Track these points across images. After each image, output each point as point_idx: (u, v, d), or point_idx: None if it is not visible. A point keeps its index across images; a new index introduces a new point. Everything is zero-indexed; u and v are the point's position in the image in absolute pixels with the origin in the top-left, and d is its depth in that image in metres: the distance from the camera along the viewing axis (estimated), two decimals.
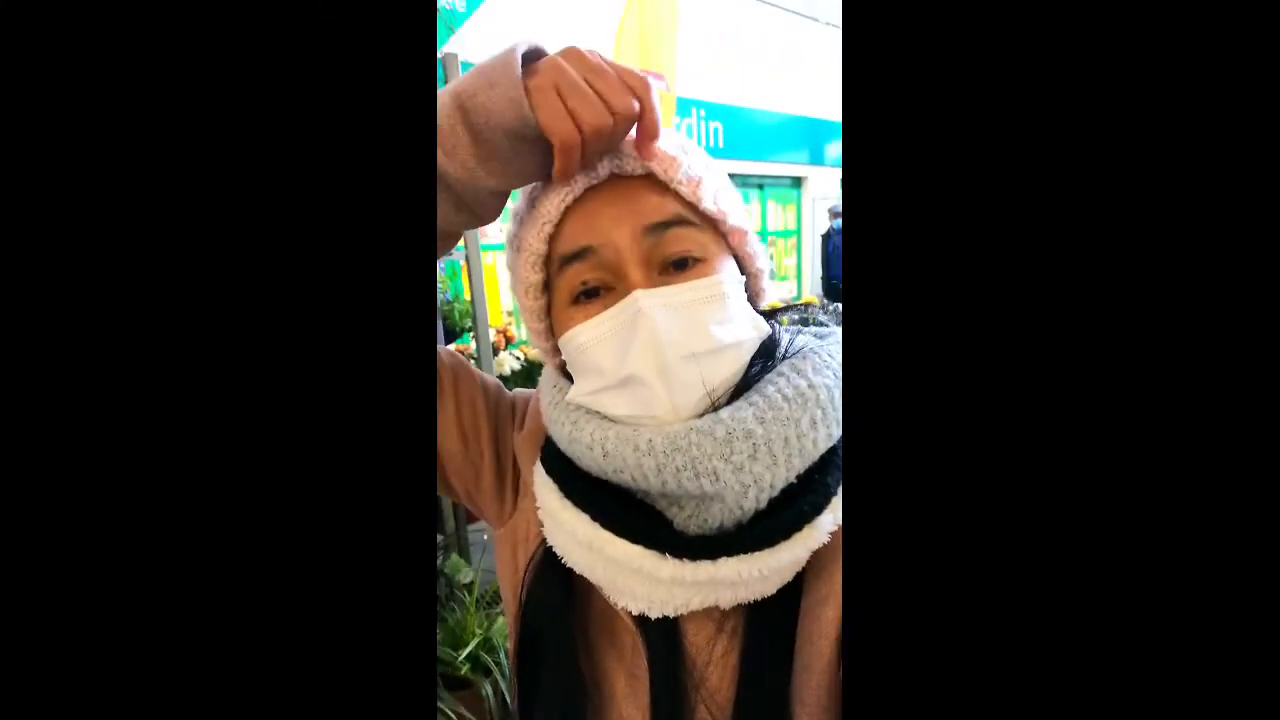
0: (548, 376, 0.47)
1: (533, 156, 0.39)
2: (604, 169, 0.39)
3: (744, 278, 0.44)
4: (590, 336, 0.40)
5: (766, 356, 0.41)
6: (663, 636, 0.40)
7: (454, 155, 0.37)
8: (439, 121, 0.37)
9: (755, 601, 0.38)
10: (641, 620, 0.40)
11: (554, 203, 0.39)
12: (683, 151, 0.41)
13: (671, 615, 0.38)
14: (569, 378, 0.45)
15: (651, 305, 0.38)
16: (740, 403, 0.38)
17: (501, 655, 1.36)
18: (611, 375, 0.39)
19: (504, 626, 1.38)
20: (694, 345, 0.38)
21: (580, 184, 0.39)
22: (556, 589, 0.43)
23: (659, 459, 0.36)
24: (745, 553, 0.36)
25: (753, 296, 0.45)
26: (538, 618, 0.44)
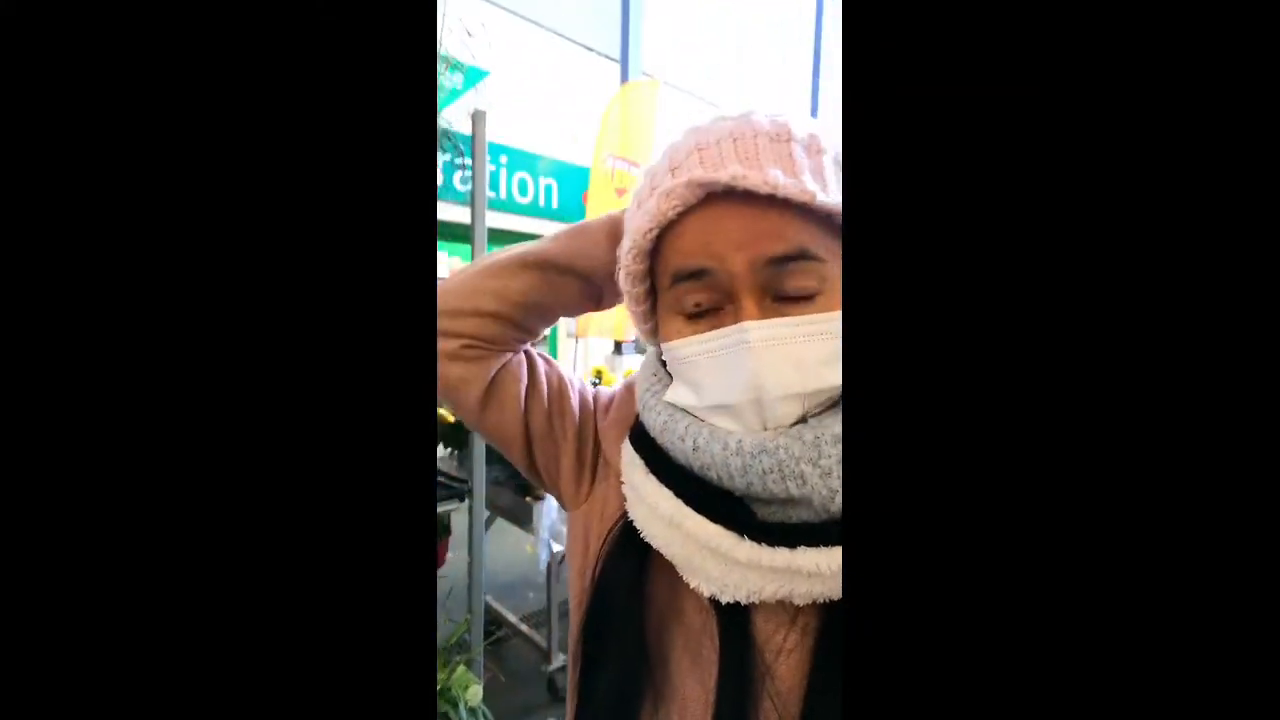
0: (648, 363, 0.47)
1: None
2: (724, 174, 0.35)
3: None
4: (693, 351, 0.39)
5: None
6: (734, 621, 0.39)
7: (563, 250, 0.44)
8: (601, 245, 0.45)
9: (830, 602, 0.37)
10: (714, 602, 0.39)
11: (664, 207, 0.37)
12: (818, 174, 0.38)
13: (744, 601, 0.38)
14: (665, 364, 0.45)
15: (760, 338, 0.36)
16: (833, 410, 0.38)
17: None
18: (707, 397, 0.39)
19: None
20: (797, 385, 0.37)
21: (696, 192, 0.36)
22: (632, 562, 0.42)
23: (745, 459, 0.36)
24: (826, 545, 0.36)
25: None
26: (609, 590, 0.43)
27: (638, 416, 0.46)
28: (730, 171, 0.36)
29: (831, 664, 0.38)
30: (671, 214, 0.37)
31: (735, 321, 0.37)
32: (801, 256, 0.36)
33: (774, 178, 0.35)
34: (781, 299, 0.37)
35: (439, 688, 1.22)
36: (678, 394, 0.42)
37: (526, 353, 0.51)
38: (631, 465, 0.43)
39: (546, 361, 0.52)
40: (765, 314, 0.37)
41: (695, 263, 0.38)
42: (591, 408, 0.52)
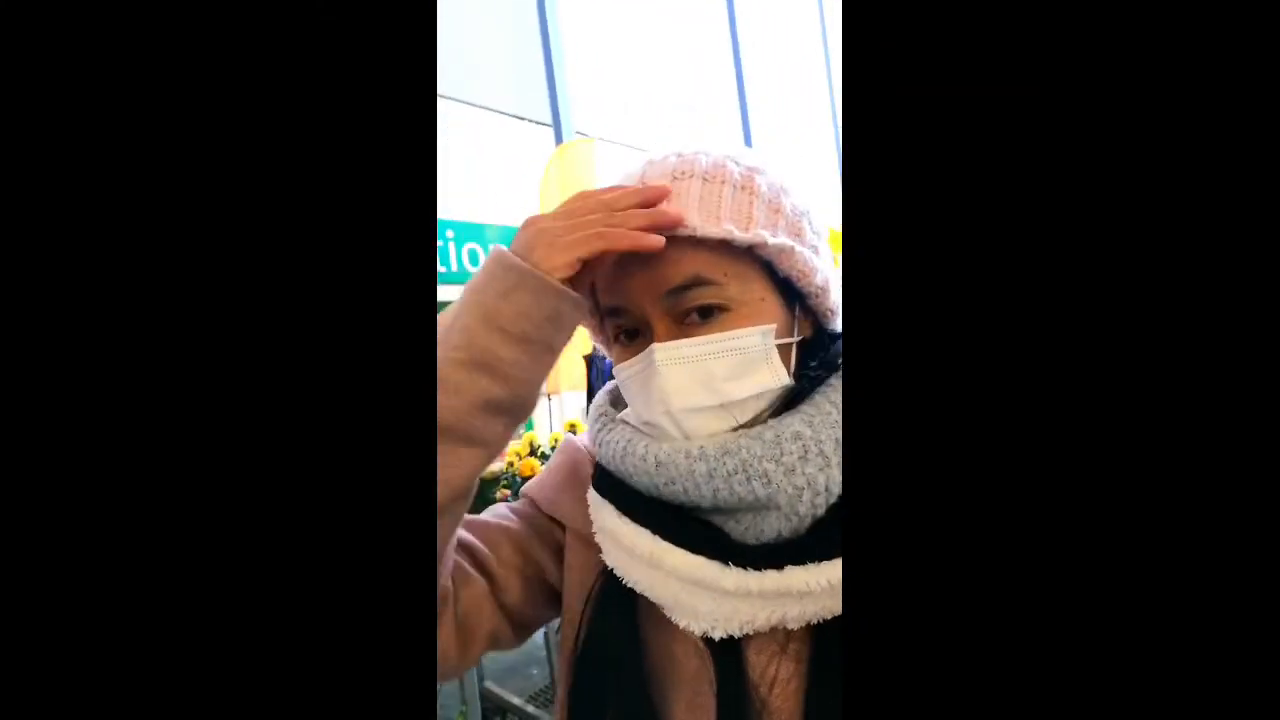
0: (596, 407, 0.48)
1: (572, 317, 0.39)
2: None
3: (799, 301, 0.43)
4: (626, 376, 0.42)
5: (795, 400, 0.41)
6: (728, 660, 0.38)
7: (507, 379, 0.36)
8: (458, 375, 0.35)
9: (820, 624, 0.37)
10: (707, 642, 0.38)
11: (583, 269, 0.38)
12: (700, 201, 0.40)
13: (737, 634, 0.37)
14: (615, 407, 0.47)
15: (664, 359, 0.38)
16: (790, 411, 0.39)
17: None
18: (638, 416, 0.42)
19: None
20: (698, 400, 0.38)
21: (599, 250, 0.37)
22: (620, 613, 0.41)
23: (710, 464, 0.37)
24: (812, 561, 0.36)
25: (819, 316, 0.44)
26: (600, 647, 0.42)
27: (596, 468, 0.46)
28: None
29: (825, 689, 0.37)
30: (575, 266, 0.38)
31: (649, 344, 0.40)
32: (697, 283, 0.39)
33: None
34: (691, 320, 0.40)
35: None
36: (630, 413, 0.45)
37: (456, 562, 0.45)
38: (600, 510, 0.43)
39: (472, 546, 0.46)
40: (674, 335, 0.40)
41: (612, 301, 0.42)
42: (528, 514, 0.49)
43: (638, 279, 0.40)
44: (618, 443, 0.42)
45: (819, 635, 0.38)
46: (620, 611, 0.42)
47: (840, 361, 0.43)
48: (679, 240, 0.38)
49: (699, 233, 0.38)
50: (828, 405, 0.40)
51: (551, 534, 0.49)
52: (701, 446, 0.38)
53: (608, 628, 0.43)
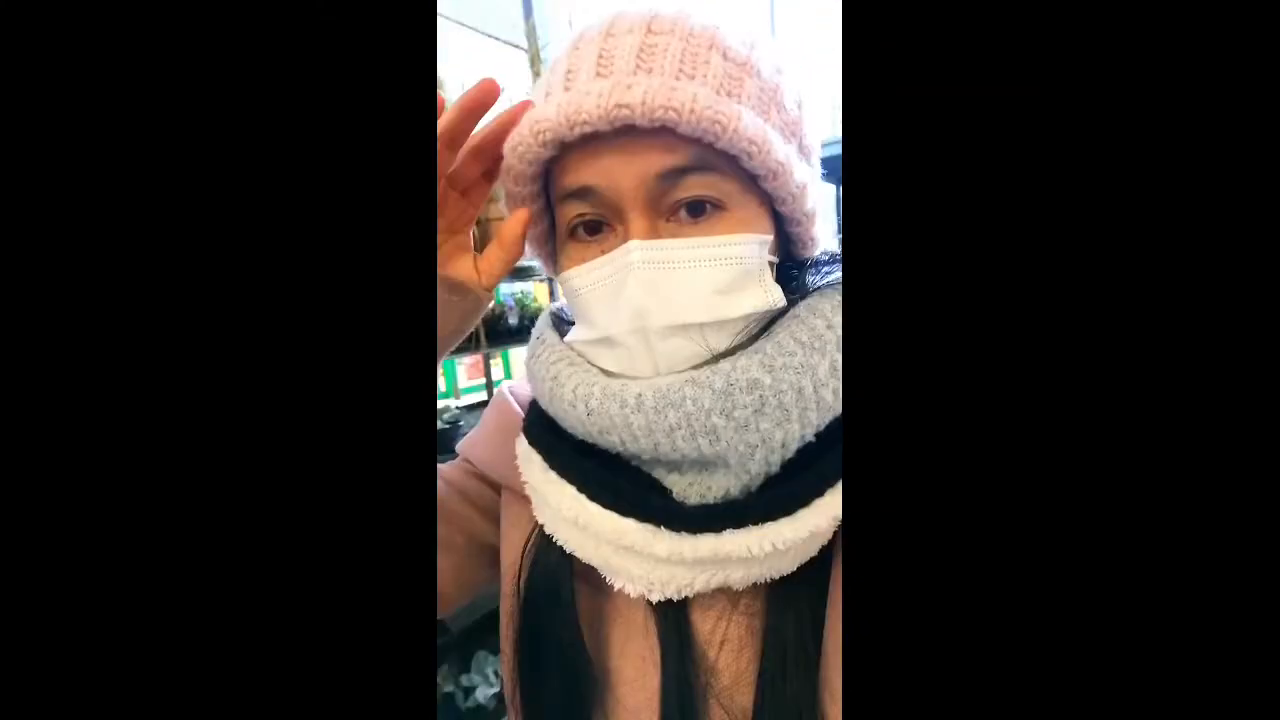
0: (536, 331, 0.42)
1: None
2: (607, 117, 0.31)
3: (784, 229, 0.37)
4: (584, 282, 0.35)
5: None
6: (671, 617, 0.36)
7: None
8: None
9: (772, 581, 0.34)
10: (650, 602, 0.35)
11: (563, 119, 0.32)
12: (734, 88, 0.33)
13: (675, 598, 0.34)
14: (558, 329, 0.41)
15: (644, 260, 0.32)
16: (747, 350, 0.33)
17: None
18: (595, 329, 0.35)
19: None
20: (684, 315, 0.33)
21: (579, 128, 0.31)
22: (554, 569, 0.38)
23: (649, 417, 0.31)
24: (755, 524, 0.32)
25: (799, 246, 0.38)
26: (536, 603, 0.39)
27: (530, 406, 0.42)
28: (614, 112, 0.31)
29: (781, 647, 0.35)
30: (553, 141, 0.33)
31: (623, 243, 0.33)
32: (694, 169, 0.33)
33: (674, 99, 0.31)
34: (676, 219, 0.34)
35: None
36: (578, 332, 0.38)
37: None
38: (528, 463, 0.39)
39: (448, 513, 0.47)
40: (657, 234, 0.33)
41: (579, 179, 0.34)
42: (459, 479, 0.47)
43: (618, 156, 0.33)
44: (545, 377, 0.37)
45: (772, 592, 0.35)
46: (556, 566, 0.39)
47: (810, 289, 0.37)
48: (674, 132, 0.32)
49: (704, 120, 0.31)
50: (792, 344, 0.33)
51: (486, 493, 0.46)
52: (639, 394, 0.32)
53: (544, 585, 0.39)
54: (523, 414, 0.43)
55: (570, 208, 0.35)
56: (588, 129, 0.32)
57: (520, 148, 0.34)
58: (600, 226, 0.35)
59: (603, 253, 0.35)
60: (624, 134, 0.32)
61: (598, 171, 0.33)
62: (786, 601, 0.35)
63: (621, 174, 0.33)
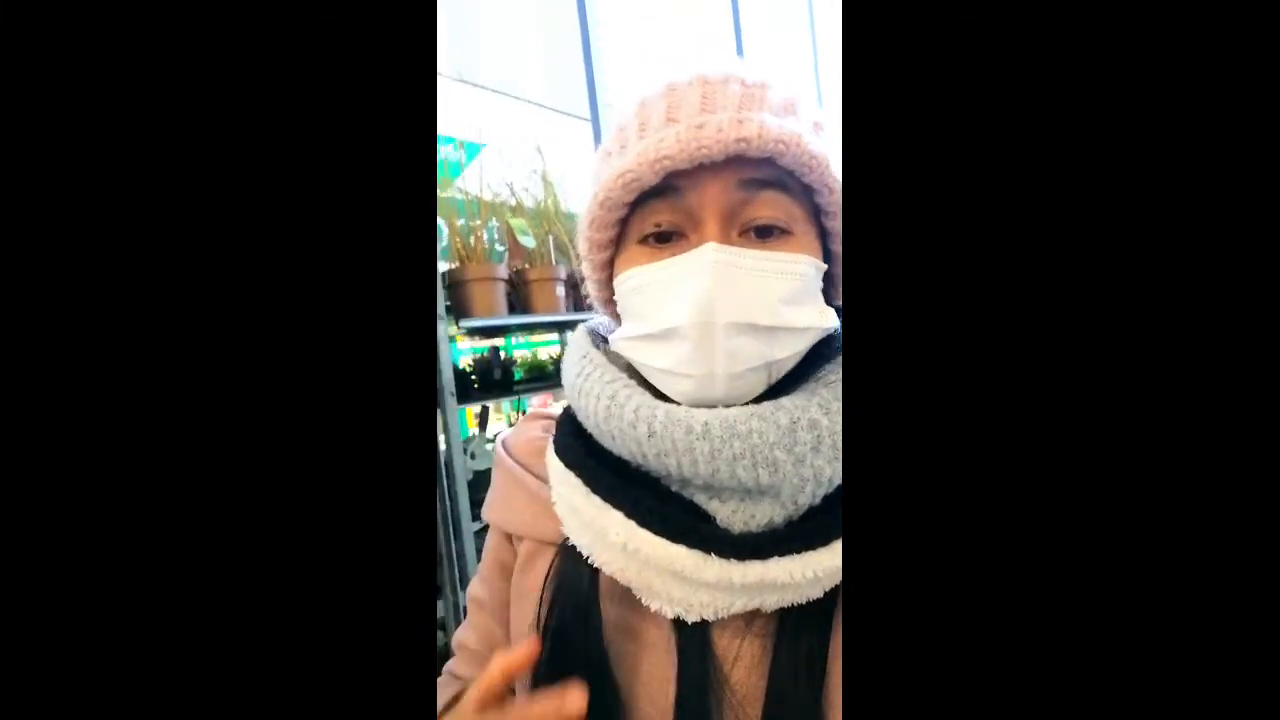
0: (576, 347, 0.44)
1: None
2: (685, 154, 0.34)
3: (826, 264, 0.39)
4: (649, 279, 0.37)
5: (828, 349, 0.39)
6: (694, 638, 0.36)
7: None
8: None
9: (790, 606, 0.35)
10: (676, 621, 0.36)
11: (645, 164, 0.35)
12: (765, 113, 0.36)
13: (710, 619, 0.35)
14: (598, 345, 0.43)
15: (721, 261, 0.34)
16: (802, 391, 0.36)
17: None
18: (655, 323, 0.36)
19: None
20: (752, 316, 0.35)
21: (661, 165, 0.35)
22: (580, 588, 0.39)
23: (714, 444, 0.33)
24: (798, 552, 0.34)
25: (829, 284, 0.41)
26: (565, 623, 0.39)
27: (560, 427, 0.43)
28: (696, 152, 0.35)
29: (787, 668, 0.36)
30: (650, 175, 0.36)
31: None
32: (775, 184, 0.36)
33: (742, 130, 0.34)
34: (746, 234, 0.37)
35: None
36: (625, 330, 0.40)
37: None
38: (566, 485, 0.40)
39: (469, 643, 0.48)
40: (730, 243, 0.36)
41: (665, 183, 0.36)
42: (493, 550, 0.48)
43: (705, 168, 0.35)
44: (601, 395, 0.38)
45: (785, 615, 0.36)
46: (584, 588, 0.40)
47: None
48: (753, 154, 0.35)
49: (779, 130, 0.34)
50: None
51: (514, 549, 0.46)
52: (706, 422, 0.34)
53: (571, 607, 0.40)
54: (519, 466, 0.45)
55: (649, 215, 0.38)
56: (669, 165, 0.35)
57: (609, 199, 0.37)
58: (671, 237, 0.38)
59: (673, 255, 0.37)
60: (701, 168, 0.36)
61: (680, 178, 0.36)
62: (800, 622, 0.36)
63: (705, 184, 0.36)
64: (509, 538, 0.46)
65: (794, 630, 0.36)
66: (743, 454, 0.33)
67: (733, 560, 0.34)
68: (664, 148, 0.35)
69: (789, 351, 0.37)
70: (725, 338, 0.35)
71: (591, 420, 0.39)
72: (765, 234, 0.37)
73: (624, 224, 0.39)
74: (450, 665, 0.50)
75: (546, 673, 0.39)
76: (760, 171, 0.36)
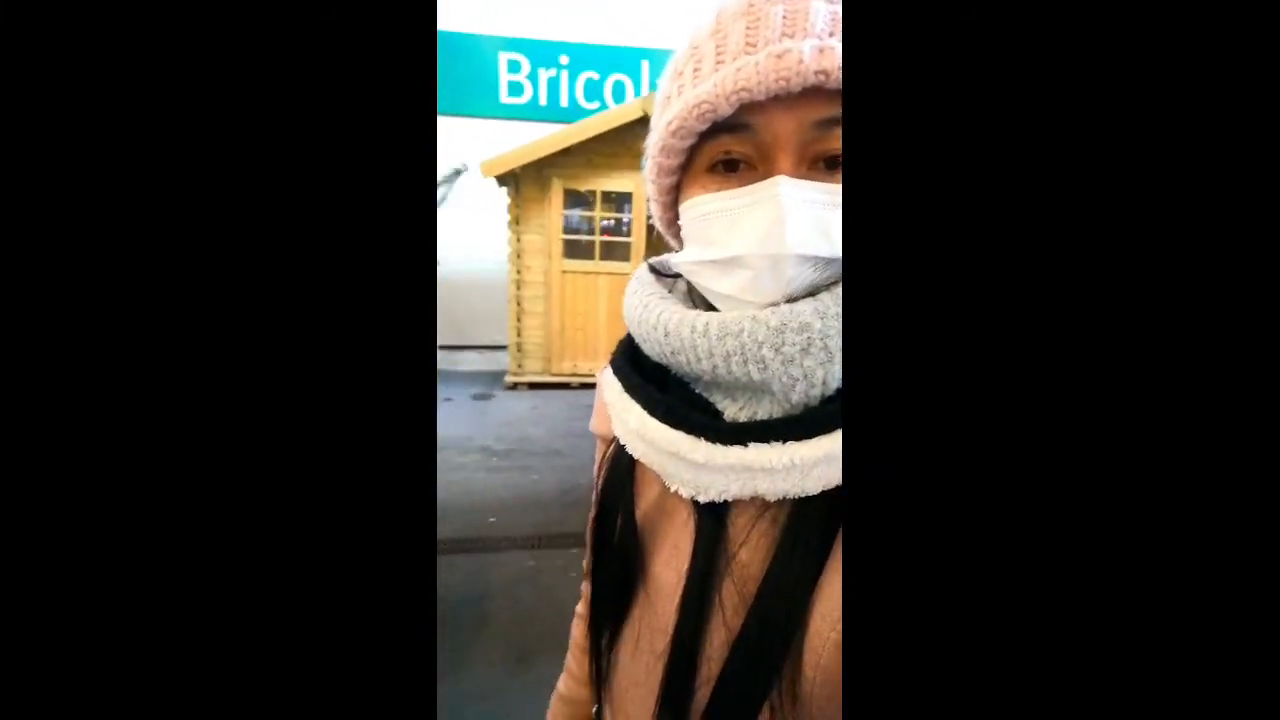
0: (637, 274, 0.49)
1: None
2: (764, 86, 0.35)
3: None
4: (716, 207, 0.39)
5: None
6: (710, 517, 0.42)
7: None
8: None
9: (802, 499, 0.38)
10: (694, 501, 0.42)
11: (721, 96, 0.36)
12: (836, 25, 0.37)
13: (716, 499, 0.40)
14: (658, 274, 0.48)
15: (790, 194, 0.36)
16: (807, 298, 0.38)
17: None
18: (721, 250, 0.39)
19: None
20: (816, 248, 0.36)
21: (738, 97, 0.35)
22: (621, 472, 0.47)
23: (711, 342, 0.38)
24: (780, 441, 0.37)
25: None
26: (607, 497, 0.49)
27: (619, 343, 0.50)
28: (775, 67, 0.35)
29: (792, 547, 0.39)
30: (725, 105, 0.36)
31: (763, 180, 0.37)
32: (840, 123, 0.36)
33: (823, 61, 0.34)
34: (816, 166, 0.37)
35: None
36: (688, 254, 0.42)
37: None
38: (610, 388, 0.47)
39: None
40: (800, 177, 0.37)
41: (737, 117, 0.37)
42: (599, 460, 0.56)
43: (781, 101, 0.36)
44: (638, 306, 0.44)
45: (796, 506, 0.40)
46: (623, 470, 0.48)
47: None
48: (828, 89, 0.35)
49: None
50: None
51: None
52: (707, 322, 0.38)
53: (613, 482, 0.48)
54: (603, 380, 0.51)
55: (719, 144, 0.39)
56: (746, 98, 0.36)
57: (681, 128, 0.38)
58: (738, 165, 0.39)
59: (741, 184, 0.38)
60: (776, 99, 0.36)
61: (754, 111, 0.37)
62: (803, 518, 0.39)
63: (780, 120, 0.37)
64: (601, 442, 0.54)
65: (796, 523, 0.40)
66: (734, 351, 0.37)
67: (716, 444, 0.38)
68: (741, 78, 0.36)
69: (837, 276, 0.39)
70: (790, 268, 0.37)
71: (632, 326, 0.45)
72: (833, 164, 0.37)
73: (692, 150, 0.40)
74: (583, 585, 0.59)
75: (594, 535, 0.50)
76: (835, 107, 0.36)
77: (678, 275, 0.48)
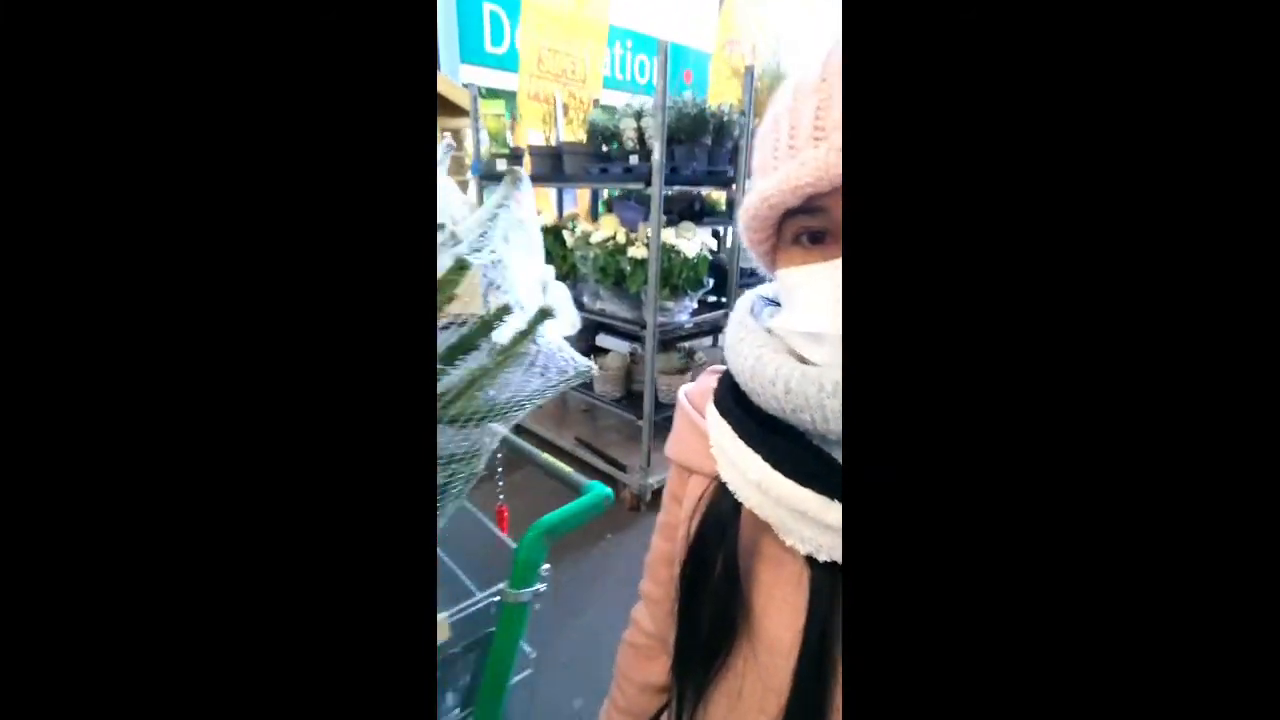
0: (735, 315, 0.48)
1: None
2: (827, 179, 0.35)
3: None
4: (803, 280, 0.40)
5: None
6: (828, 575, 0.41)
7: None
8: None
9: None
10: (809, 558, 0.40)
11: (788, 188, 0.37)
12: None
13: (839, 561, 0.39)
14: (755, 313, 0.48)
15: None
16: None
17: None
18: (805, 323, 0.40)
19: None
20: None
21: (807, 191, 0.36)
22: (726, 515, 0.46)
23: (839, 402, 0.37)
24: None
25: None
26: (707, 535, 0.47)
27: (720, 381, 0.48)
28: (839, 162, 0.35)
29: None
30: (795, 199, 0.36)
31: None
32: None
33: None
34: None
35: None
36: (786, 318, 0.43)
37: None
38: (719, 429, 0.45)
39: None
40: None
41: (818, 200, 0.37)
42: (672, 492, 0.56)
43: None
44: (749, 357, 0.43)
45: None
46: (726, 514, 0.46)
47: None
48: None
49: None
50: None
51: (685, 481, 0.53)
52: (835, 381, 0.37)
53: (714, 524, 0.47)
54: (693, 410, 0.52)
55: (798, 222, 0.40)
56: (809, 191, 0.36)
57: (756, 217, 0.40)
58: (823, 237, 0.40)
59: (823, 259, 0.39)
60: None
61: (827, 195, 0.37)
62: None
63: None
64: (682, 470, 0.54)
65: None
66: None
67: None
68: (804, 174, 0.36)
69: None
70: None
71: (741, 376, 0.44)
72: None
73: (780, 221, 0.42)
74: (636, 611, 0.61)
75: (688, 575, 0.49)
76: None
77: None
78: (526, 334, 0.62)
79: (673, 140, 2.13)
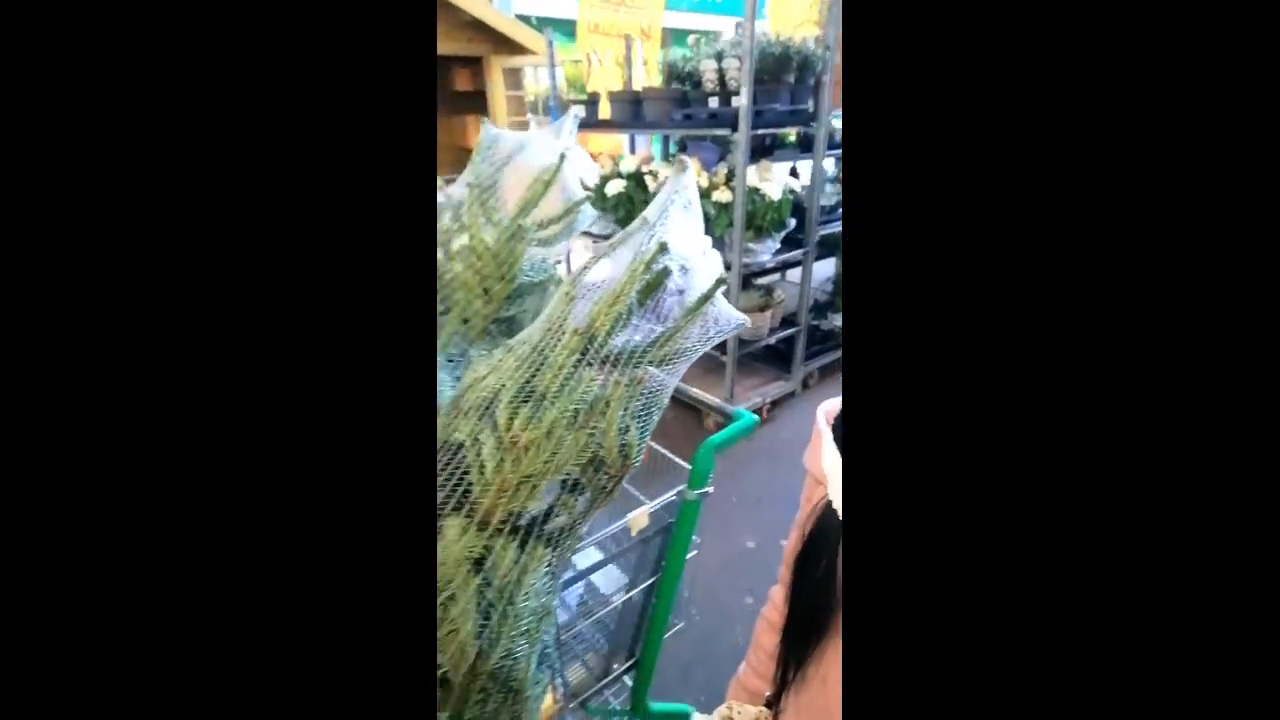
0: None
1: None
2: None
3: None
4: None
5: None
6: None
7: None
8: None
9: None
10: None
11: None
12: None
13: None
14: None
15: None
16: None
17: None
18: None
19: None
20: None
21: None
22: (831, 525, 0.52)
23: None
24: None
25: None
26: (814, 539, 0.55)
27: (836, 418, 0.56)
28: None
29: None
30: None
31: None
32: None
33: None
34: None
35: None
36: None
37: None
38: (831, 455, 0.53)
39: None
40: None
41: None
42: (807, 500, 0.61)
43: None
44: None
45: None
46: (834, 525, 0.52)
47: None
48: None
49: None
50: None
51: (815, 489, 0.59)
52: None
53: (820, 531, 0.54)
54: (827, 429, 0.58)
55: None
56: None
57: None
58: None
59: None
60: None
61: None
62: None
63: None
64: (814, 480, 0.60)
65: None
66: None
67: None
68: None
69: None
70: None
71: None
72: None
73: None
74: (773, 590, 0.70)
75: (799, 567, 0.57)
76: None
77: None
78: (708, 296, 0.80)
79: (755, 81, 2.18)
